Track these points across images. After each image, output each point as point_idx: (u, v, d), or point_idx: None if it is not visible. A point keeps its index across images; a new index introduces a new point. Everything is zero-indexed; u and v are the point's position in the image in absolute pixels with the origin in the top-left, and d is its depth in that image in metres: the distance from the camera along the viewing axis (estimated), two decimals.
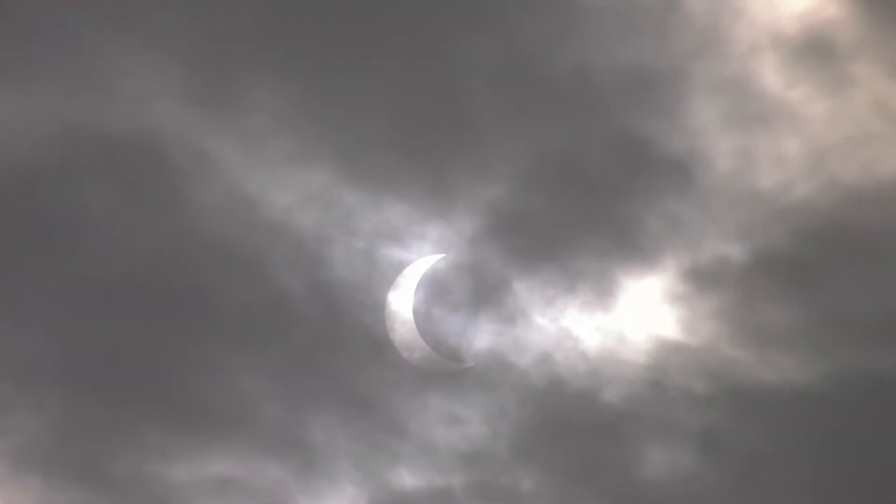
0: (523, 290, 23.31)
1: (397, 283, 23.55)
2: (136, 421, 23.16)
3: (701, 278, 22.98)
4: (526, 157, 23.19)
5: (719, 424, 22.62)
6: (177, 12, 23.50)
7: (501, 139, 23.19)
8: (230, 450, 23.16)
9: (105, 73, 23.55)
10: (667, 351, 23.01)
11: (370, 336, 23.41)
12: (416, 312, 23.51)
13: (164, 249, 23.40)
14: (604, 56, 22.93)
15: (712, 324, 22.88)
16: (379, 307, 23.53)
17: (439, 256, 23.58)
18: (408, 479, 23.19)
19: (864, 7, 22.56)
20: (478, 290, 23.50)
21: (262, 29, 23.36)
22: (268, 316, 23.38)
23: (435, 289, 23.59)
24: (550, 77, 22.99)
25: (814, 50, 22.78)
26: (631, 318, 23.20)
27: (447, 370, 23.46)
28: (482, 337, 23.44)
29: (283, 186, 23.47)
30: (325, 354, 23.39)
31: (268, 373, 23.30)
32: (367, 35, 23.23)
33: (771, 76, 22.88)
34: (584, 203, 23.12)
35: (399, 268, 23.63)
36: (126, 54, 23.55)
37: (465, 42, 23.09)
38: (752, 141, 22.88)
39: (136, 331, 23.34)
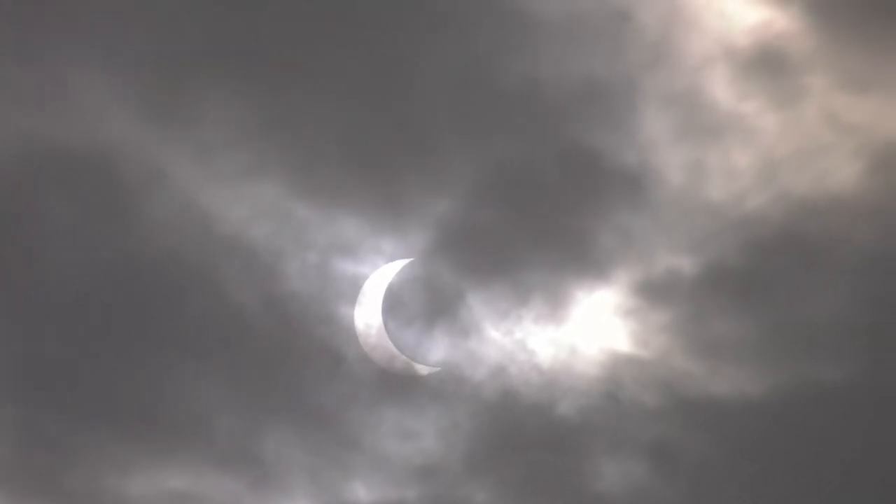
0: (476, 304, 23.34)
1: (363, 292, 23.59)
2: (91, 434, 23.20)
3: (653, 291, 23.02)
4: (478, 170, 23.21)
5: (672, 437, 22.69)
6: (130, 27, 23.46)
7: (453, 152, 23.21)
8: (185, 463, 23.20)
9: (58, 87, 23.51)
10: (620, 364, 23.07)
11: (325, 349, 23.45)
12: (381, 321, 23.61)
13: (119, 263, 23.41)
14: (555, 68, 22.91)
15: (665, 336, 22.92)
16: (333, 320, 23.56)
17: (406, 261, 23.59)
18: (362, 492, 23.26)
19: (816, 20, 22.57)
20: (431, 303, 23.54)
21: (216, 43, 23.33)
22: (222, 329, 23.41)
23: (389, 302, 23.61)
24: (502, 90, 22.97)
25: (766, 63, 22.79)
26: (584, 331, 23.24)
27: (414, 374, 23.52)
28: (436, 350, 23.48)
29: (237, 200, 23.48)
30: (279, 368, 23.42)
31: (223, 386, 23.34)
32: (320, 49, 23.21)
33: (723, 89, 22.88)
34: (536, 216, 23.13)
35: (353, 281, 23.66)
36: (79, 68, 23.52)
37: (417, 56, 23.08)
38: (704, 153, 22.89)
39: (91, 344, 23.36)
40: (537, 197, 23.10)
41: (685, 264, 22.90)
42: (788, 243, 22.58)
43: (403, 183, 23.31)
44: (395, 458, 23.24)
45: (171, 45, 23.43)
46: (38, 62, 23.53)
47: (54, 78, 23.52)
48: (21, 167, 23.41)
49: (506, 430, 23.07)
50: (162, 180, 23.41)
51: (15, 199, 23.39)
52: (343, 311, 23.56)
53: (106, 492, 23.10)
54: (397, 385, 23.48)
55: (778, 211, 22.66)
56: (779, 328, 22.49)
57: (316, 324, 23.43)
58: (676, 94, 22.91)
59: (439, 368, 23.42)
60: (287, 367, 23.39)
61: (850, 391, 22.18)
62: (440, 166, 23.21)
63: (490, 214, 23.23)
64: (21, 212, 23.41)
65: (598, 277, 23.14)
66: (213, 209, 23.38)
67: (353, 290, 23.61)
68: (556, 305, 23.20)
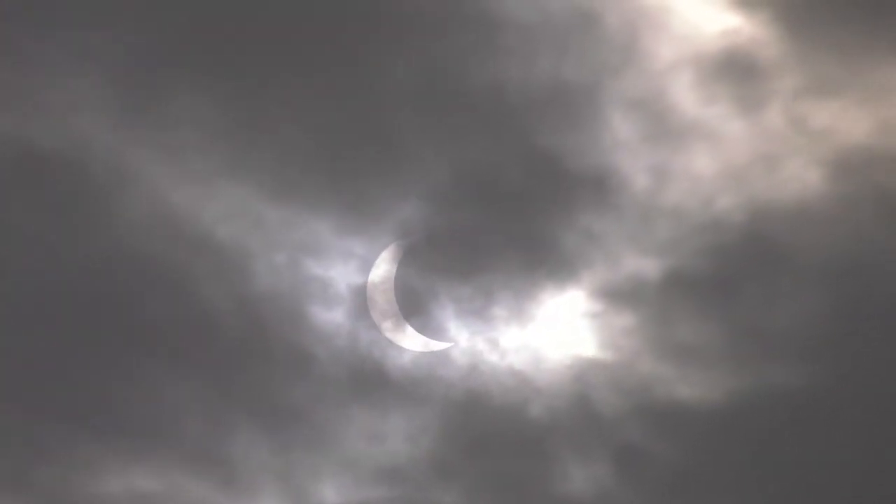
0: (445, 306, 23.44)
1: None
2: (61, 433, 23.29)
3: (619, 294, 23.10)
4: (447, 172, 23.29)
5: (638, 440, 22.80)
6: (103, 27, 23.49)
7: (423, 155, 23.29)
8: (154, 463, 23.31)
9: (31, 87, 23.56)
10: (587, 367, 23.17)
11: (294, 350, 23.53)
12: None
13: (90, 263, 23.48)
14: (521, 72, 22.96)
15: (631, 340, 23.02)
16: (302, 321, 23.65)
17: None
18: (330, 493, 23.36)
19: (782, 27, 22.61)
20: (401, 304, 23.63)
21: (188, 45, 23.38)
22: (192, 329, 23.51)
23: (360, 303, 23.72)
24: (470, 93, 23.03)
25: (733, 68, 22.85)
26: (551, 334, 23.33)
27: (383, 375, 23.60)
28: (406, 352, 23.59)
29: (207, 201, 23.54)
30: (249, 368, 23.51)
31: (192, 386, 23.44)
32: (290, 53, 23.26)
33: (689, 93, 22.93)
34: (504, 218, 23.22)
35: (322, 282, 23.73)
36: (52, 68, 23.56)
37: (386, 60, 23.11)
38: (670, 157, 22.96)
39: (62, 344, 23.44)
40: (505, 199, 23.17)
41: (650, 268, 22.99)
42: (752, 247, 22.67)
43: (372, 185, 23.40)
44: (364, 459, 23.35)
45: (142, 47, 23.49)
46: (9, 62, 23.56)
47: (26, 78, 23.57)
48: None
49: (473, 433, 23.21)
50: (133, 181, 23.52)
51: None
52: (312, 312, 23.66)
53: (76, 491, 23.22)
54: (367, 386, 23.58)
55: (742, 215, 22.75)
56: (743, 332, 22.61)
57: (285, 324, 23.54)
58: (643, 98, 22.98)
59: (409, 370, 23.53)
60: (256, 368, 23.48)
61: (812, 395, 22.30)
62: (409, 169, 23.31)
63: (458, 217, 23.35)
64: None
65: (564, 280, 23.25)
66: (183, 210, 23.49)
67: (322, 290, 23.72)
68: (522, 309, 23.31)
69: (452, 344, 23.45)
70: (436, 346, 23.47)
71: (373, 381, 23.57)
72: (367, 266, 23.70)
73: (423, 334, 23.51)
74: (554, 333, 23.28)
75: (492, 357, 23.37)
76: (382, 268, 23.64)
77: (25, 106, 23.55)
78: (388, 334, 23.55)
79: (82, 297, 23.50)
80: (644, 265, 22.97)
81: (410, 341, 23.55)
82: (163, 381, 23.39)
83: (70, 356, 23.44)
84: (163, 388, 23.39)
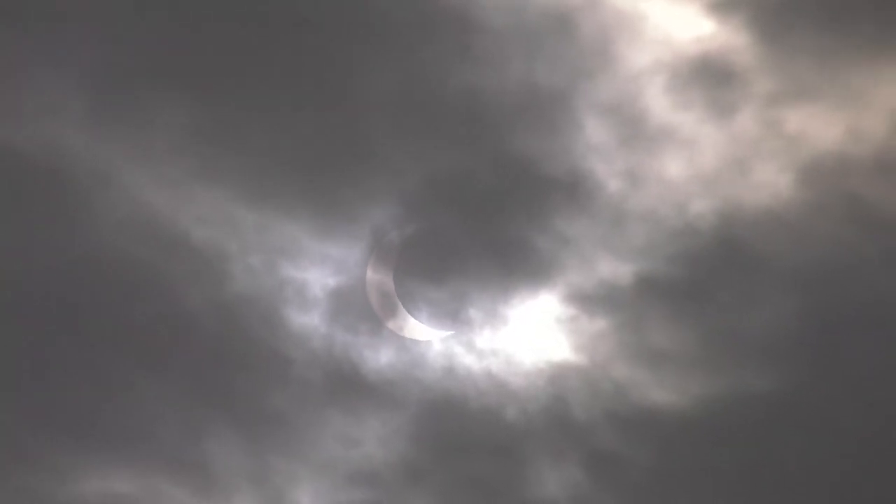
0: (420, 309, 23.49)
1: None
2: (37, 436, 23.33)
3: (592, 299, 23.16)
4: (420, 177, 23.33)
5: (611, 444, 22.87)
6: (80, 30, 23.51)
7: (396, 159, 23.32)
8: (129, 466, 23.36)
9: (7, 90, 23.55)
10: (560, 371, 23.22)
11: (270, 353, 23.57)
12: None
13: (65, 266, 23.50)
14: (495, 77, 22.99)
15: (604, 344, 23.07)
16: (279, 324, 23.67)
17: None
18: (305, 497, 23.43)
19: (756, 33, 22.65)
20: (376, 308, 23.70)
21: (165, 50, 23.38)
22: (168, 332, 23.53)
23: (335, 307, 23.78)
24: (443, 98, 23.07)
25: (706, 73, 22.89)
26: (524, 338, 23.38)
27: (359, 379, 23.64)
28: (380, 355, 23.65)
29: (184, 204, 23.58)
30: (225, 371, 23.56)
31: (168, 389, 23.47)
32: (266, 59, 23.27)
33: (663, 98, 22.97)
34: (478, 222, 23.27)
35: (299, 285, 23.76)
36: (28, 71, 23.55)
37: (361, 65, 23.14)
38: (643, 162, 23.01)
39: (38, 347, 23.47)
40: (478, 203, 23.23)
41: (623, 273, 23.03)
42: (725, 252, 22.72)
43: (348, 189, 23.44)
44: (340, 463, 23.40)
45: (120, 50, 23.50)
46: None
47: (2, 80, 23.56)
48: None
49: (449, 437, 23.27)
50: (109, 183, 23.53)
51: None
52: (288, 315, 23.70)
53: (52, 494, 23.26)
54: (343, 389, 23.63)
55: (716, 220, 22.78)
56: (716, 336, 22.67)
57: (261, 327, 23.57)
58: (616, 102, 23.01)
59: (384, 373, 23.59)
60: (233, 371, 23.53)
61: (785, 399, 22.38)
62: (384, 173, 23.35)
63: (433, 220, 23.38)
64: None
65: (538, 284, 23.30)
66: (159, 213, 23.51)
67: (298, 293, 23.75)
68: (497, 312, 23.36)
69: (428, 346, 23.52)
70: (411, 348, 23.53)
71: (349, 384, 23.63)
72: (343, 269, 23.76)
73: (399, 337, 23.58)
74: (528, 337, 23.35)
75: (466, 360, 23.44)
76: (358, 271, 23.70)
77: (2, 109, 23.56)
78: (364, 337, 23.61)
79: (57, 301, 23.52)
80: (617, 269, 23.03)
81: (386, 344, 23.62)
82: (139, 384, 23.44)
83: (46, 359, 23.48)
84: (139, 390, 23.44)
